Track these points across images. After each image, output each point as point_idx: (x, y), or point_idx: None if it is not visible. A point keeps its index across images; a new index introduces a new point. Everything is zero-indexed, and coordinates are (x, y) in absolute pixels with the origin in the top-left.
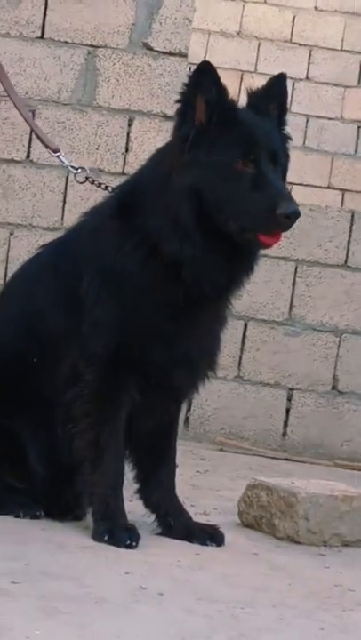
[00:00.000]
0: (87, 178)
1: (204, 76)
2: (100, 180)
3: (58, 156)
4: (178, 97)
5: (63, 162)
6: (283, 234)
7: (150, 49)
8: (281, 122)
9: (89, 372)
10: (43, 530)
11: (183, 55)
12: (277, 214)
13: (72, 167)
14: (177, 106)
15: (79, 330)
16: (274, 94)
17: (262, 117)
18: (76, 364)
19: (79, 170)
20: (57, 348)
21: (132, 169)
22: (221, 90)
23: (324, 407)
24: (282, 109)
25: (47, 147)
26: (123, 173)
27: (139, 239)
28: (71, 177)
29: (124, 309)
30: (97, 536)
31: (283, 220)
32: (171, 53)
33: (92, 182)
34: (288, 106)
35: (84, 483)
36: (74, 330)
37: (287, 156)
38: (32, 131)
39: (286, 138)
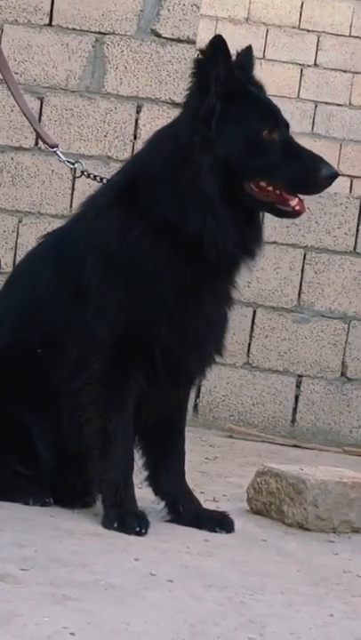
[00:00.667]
0: (83, 172)
1: (220, 50)
2: (96, 173)
3: (55, 152)
4: (193, 72)
5: (60, 157)
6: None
7: (158, 36)
8: None
9: (95, 360)
10: (52, 517)
11: (191, 42)
12: (321, 176)
13: (68, 162)
14: (193, 83)
15: (83, 318)
16: (249, 65)
17: (259, 89)
18: (82, 353)
19: (75, 164)
20: (61, 338)
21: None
22: (231, 63)
23: (333, 394)
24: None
25: (45, 141)
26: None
27: (146, 224)
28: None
29: (132, 294)
30: (106, 523)
31: (326, 180)
32: (179, 40)
33: (88, 176)
34: (296, 92)
35: (94, 470)
36: (78, 318)
37: None
38: (31, 125)
39: None
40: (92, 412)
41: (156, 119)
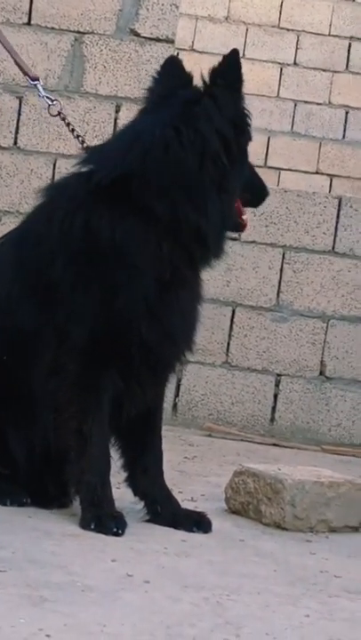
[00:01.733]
0: (59, 112)
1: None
2: (70, 121)
3: (35, 85)
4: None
5: (40, 91)
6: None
7: (137, 35)
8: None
9: (69, 360)
10: (29, 517)
11: (170, 41)
12: (266, 192)
13: (48, 98)
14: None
15: (54, 319)
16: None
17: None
18: (55, 354)
19: (54, 102)
20: (32, 340)
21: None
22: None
23: (312, 393)
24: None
25: (26, 74)
26: (81, 145)
27: (133, 218)
28: (59, 163)
29: (106, 291)
30: (84, 524)
31: (266, 197)
32: (158, 39)
33: (63, 119)
34: (275, 91)
35: (71, 471)
36: (48, 320)
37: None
38: (12, 58)
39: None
40: (68, 414)
41: None
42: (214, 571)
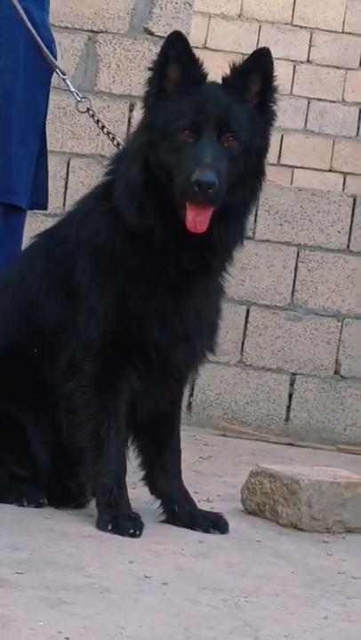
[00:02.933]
0: (88, 109)
1: (174, 46)
2: (100, 118)
3: (64, 80)
4: (150, 65)
5: (69, 86)
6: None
7: (151, 34)
8: (264, 98)
9: (87, 362)
10: (46, 518)
11: None
12: (191, 181)
13: (77, 94)
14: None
15: (75, 320)
16: (253, 69)
17: (225, 91)
18: (74, 355)
19: (83, 99)
20: (55, 339)
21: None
22: (191, 61)
23: (327, 392)
24: (264, 85)
25: (55, 68)
26: (112, 142)
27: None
28: (73, 163)
29: (120, 293)
30: (101, 525)
31: (194, 187)
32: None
33: (92, 116)
34: (289, 88)
35: (87, 473)
36: (70, 320)
37: (257, 134)
38: (42, 53)
39: (264, 116)
40: (85, 415)
41: None
42: (232, 572)
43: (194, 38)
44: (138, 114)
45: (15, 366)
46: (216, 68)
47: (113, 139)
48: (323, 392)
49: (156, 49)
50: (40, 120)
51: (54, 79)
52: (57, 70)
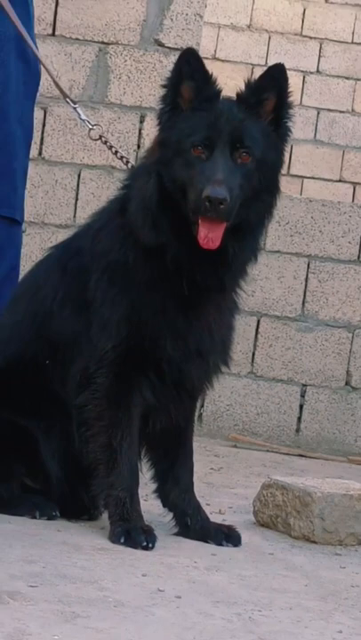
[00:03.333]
0: (100, 137)
1: (187, 63)
2: (112, 144)
3: (75, 109)
4: (163, 83)
5: (80, 114)
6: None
7: (161, 45)
8: (278, 114)
9: (99, 374)
10: (59, 531)
11: None
12: (202, 197)
13: (88, 122)
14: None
15: (88, 332)
16: (268, 85)
17: (239, 107)
18: (86, 367)
19: (94, 127)
20: (68, 351)
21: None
22: (205, 77)
23: (338, 403)
24: (279, 101)
25: (66, 96)
26: (126, 165)
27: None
28: (83, 175)
29: (132, 307)
30: (113, 538)
31: (205, 203)
32: (182, 49)
33: (105, 142)
34: (298, 99)
35: (100, 485)
36: (83, 332)
37: (271, 150)
38: (52, 80)
39: (278, 132)
40: (98, 428)
41: None
42: (245, 585)
43: (203, 49)
44: (148, 125)
45: (27, 377)
46: (225, 79)
47: (127, 162)
48: (334, 403)
49: (167, 60)
50: (30, 133)
51: (64, 89)
52: (67, 100)
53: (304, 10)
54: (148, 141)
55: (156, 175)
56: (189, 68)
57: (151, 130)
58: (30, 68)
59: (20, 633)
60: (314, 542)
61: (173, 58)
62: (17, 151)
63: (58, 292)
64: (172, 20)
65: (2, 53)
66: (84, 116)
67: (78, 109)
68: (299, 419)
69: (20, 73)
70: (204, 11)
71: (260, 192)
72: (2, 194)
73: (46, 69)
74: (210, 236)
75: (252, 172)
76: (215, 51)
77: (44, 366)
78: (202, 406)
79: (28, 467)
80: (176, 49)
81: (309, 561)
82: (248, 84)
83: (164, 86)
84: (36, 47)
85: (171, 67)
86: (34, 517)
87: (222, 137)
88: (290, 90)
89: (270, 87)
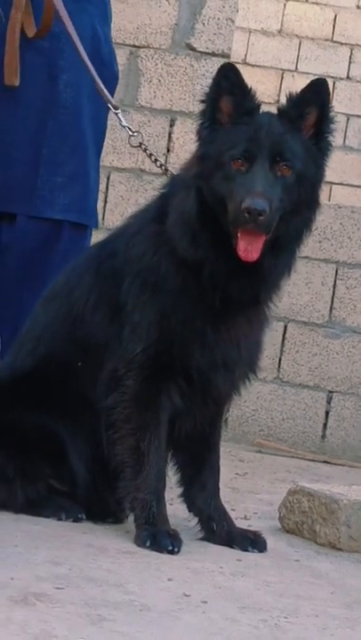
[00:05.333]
0: (140, 144)
1: (226, 78)
2: (152, 152)
3: (117, 114)
4: (202, 98)
5: (121, 120)
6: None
7: (193, 49)
8: (320, 129)
9: (129, 377)
10: (84, 533)
11: (226, 56)
12: (241, 208)
13: (129, 129)
14: (201, 106)
15: (119, 335)
16: (309, 99)
17: (279, 120)
18: (116, 369)
19: (135, 133)
20: (98, 353)
21: (173, 170)
22: (243, 91)
23: None
24: (321, 115)
25: (109, 101)
26: (164, 174)
27: (170, 242)
28: (113, 177)
29: (162, 314)
30: (139, 541)
31: (244, 214)
32: (213, 54)
33: (145, 150)
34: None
35: (126, 488)
36: (114, 335)
37: (311, 164)
38: (96, 85)
39: (319, 146)
40: (126, 430)
41: (190, 133)
42: (271, 591)
43: (234, 53)
44: (178, 129)
45: (56, 378)
46: (256, 84)
47: (166, 170)
48: (360, 410)
49: (198, 64)
50: (101, 136)
51: None
52: (110, 105)
53: (335, 16)
54: (177, 145)
55: (195, 189)
56: (228, 82)
57: (181, 134)
58: (106, 68)
59: (47, 635)
60: (340, 549)
61: (205, 62)
62: (89, 154)
63: (90, 294)
64: (203, 24)
65: (74, 53)
66: (125, 123)
67: (119, 115)
68: (324, 425)
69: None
70: (235, 15)
71: (300, 206)
72: (72, 198)
73: (90, 73)
74: (249, 248)
75: (292, 186)
76: (245, 55)
77: (73, 368)
78: (227, 411)
79: (55, 468)
80: (207, 53)
81: (335, 568)
82: (290, 98)
83: (202, 101)
84: (112, 47)
85: (202, 71)
86: (60, 519)
87: (262, 150)
88: (331, 105)
89: (312, 101)
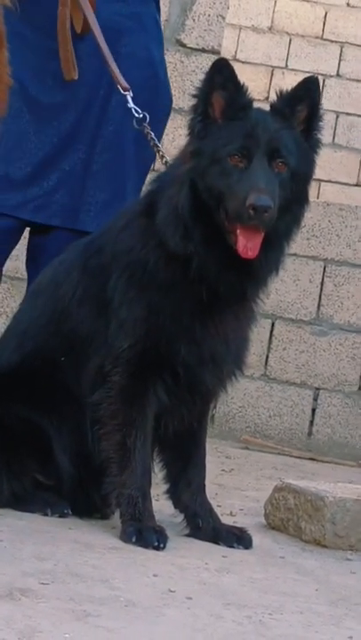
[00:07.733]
0: (144, 127)
1: (219, 73)
2: (153, 136)
3: (126, 96)
4: (194, 92)
5: (129, 102)
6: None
7: (183, 45)
8: (310, 126)
9: (115, 373)
10: (70, 529)
11: (216, 52)
12: (246, 205)
13: (135, 110)
14: (193, 101)
15: (106, 330)
16: (301, 97)
17: (273, 117)
18: (102, 365)
19: (141, 115)
20: (84, 348)
21: (162, 166)
22: (236, 87)
23: (351, 407)
24: (311, 113)
25: (118, 83)
26: (154, 169)
27: (159, 237)
28: None
29: (150, 309)
30: (125, 537)
31: (249, 211)
32: (203, 50)
33: (147, 134)
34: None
35: (112, 484)
36: (101, 330)
37: (303, 160)
38: (108, 65)
39: (309, 143)
40: (112, 426)
41: (180, 129)
42: (256, 588)
43: (224, 50)
44: (168, 125)
45: (42, 373)
46: (246, 80)
47: (162, 156)
48: (346, 407)
49: (188, 60)
50: (144, 154)
51: None
52: (119, 86)
53: (326, 13)
54: (167, 141)
55: (188, 185)
56: (221, 77)
57: (170, 129)
58: (164, 95)
59: (32, 630)
60: (325, 546)
61: (195, 58)
62: (130, 172)
63: (77, 289)
64: (194, 20)
65: (124, 74)
66: (131, 104)
67: (128, 97)
68: (311, 422)
69: None
70: (226, 12)
71: (291, 203)
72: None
73: (104, 54)
74: (249, 245)
75: (286, 182)
76: (236, 52)
77: (59, 363)
78: (214, 407)
79: (41, 463)
80: (198, 49)
81: (320, 565)
82: (281, 95)
83: (195, 96)
84: (165, 71)
85: (192, 67)
86: (45, 515)
87: (260, 146)
88: (322, 103)
89: (304, 99)
